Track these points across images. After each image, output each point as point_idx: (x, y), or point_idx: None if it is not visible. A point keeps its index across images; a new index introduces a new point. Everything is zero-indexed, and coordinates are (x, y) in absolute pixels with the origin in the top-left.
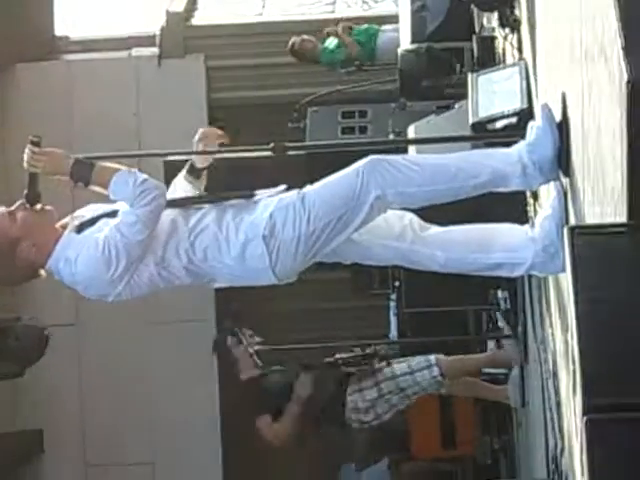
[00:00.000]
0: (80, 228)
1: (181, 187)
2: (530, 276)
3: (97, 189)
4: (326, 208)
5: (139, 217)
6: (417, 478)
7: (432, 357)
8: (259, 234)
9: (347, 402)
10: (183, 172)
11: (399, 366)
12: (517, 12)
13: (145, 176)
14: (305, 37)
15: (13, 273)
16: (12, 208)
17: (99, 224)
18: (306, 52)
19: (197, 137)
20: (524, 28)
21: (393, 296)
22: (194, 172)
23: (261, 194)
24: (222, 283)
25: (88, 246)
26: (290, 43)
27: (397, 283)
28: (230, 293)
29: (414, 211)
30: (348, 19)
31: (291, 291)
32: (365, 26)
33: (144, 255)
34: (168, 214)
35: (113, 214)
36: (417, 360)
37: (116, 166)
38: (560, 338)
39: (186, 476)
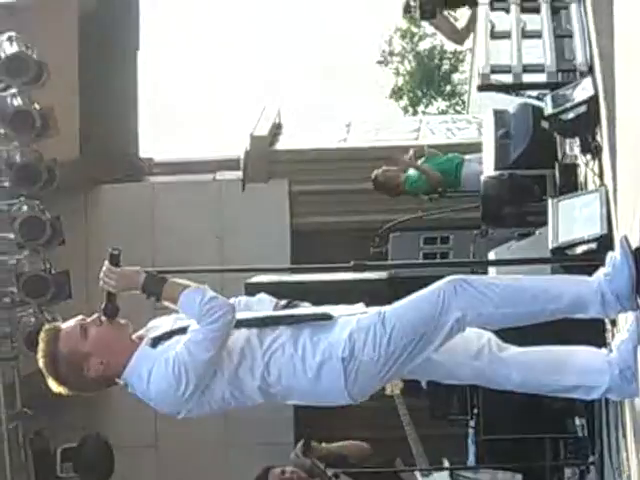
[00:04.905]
0: (155, 342)
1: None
2: (607, 401)
3: (168, 304)
4: (407, 329)
5: (205, 335)
6: None
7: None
8: (337, 355)
9: None
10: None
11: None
12: (598, 138)
13: (213, 294)
14: (386, 168)
15: (84, 383)
16: (88, 320)
17: (172, 340)
18: (389, 182)
19: None
20: (605, 154)
21: (472, 423)
22: None
23: (338, 313)
24: (294, 401)
25: (159, 363)
26: (373, 175)
27: (475, 410)
28: (307, 417)
29: (493, 330)
30: (431, 146)
31: (366, 418)
32: (449, 155)
33: (215, 373)
34: (243, 333)
35: (184, 331)
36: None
37: (186, 282)
38: (635, 462)
39: None
